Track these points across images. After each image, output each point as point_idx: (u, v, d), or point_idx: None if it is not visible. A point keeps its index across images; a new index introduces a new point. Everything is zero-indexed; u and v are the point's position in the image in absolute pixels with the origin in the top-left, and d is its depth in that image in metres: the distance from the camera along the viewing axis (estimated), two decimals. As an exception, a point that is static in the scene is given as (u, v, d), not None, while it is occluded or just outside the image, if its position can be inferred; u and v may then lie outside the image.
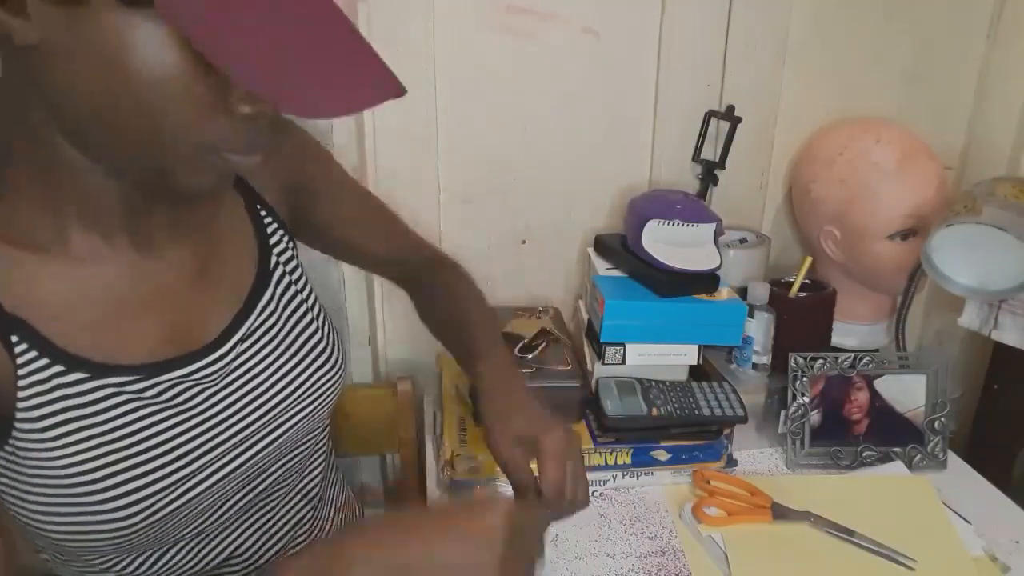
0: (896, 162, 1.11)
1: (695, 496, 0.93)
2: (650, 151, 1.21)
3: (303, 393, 0.71)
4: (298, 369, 0.71)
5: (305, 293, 0.75)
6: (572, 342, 1.09)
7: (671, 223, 1.01)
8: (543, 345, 1.05)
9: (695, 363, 1.02)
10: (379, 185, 1.12)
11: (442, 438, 0.98)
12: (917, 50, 1.24)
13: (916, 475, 0.98)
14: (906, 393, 1.02)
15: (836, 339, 1.20)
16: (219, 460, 0.65)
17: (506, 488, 0.94)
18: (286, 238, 0.74)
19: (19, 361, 0.55)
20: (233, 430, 0.66)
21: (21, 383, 0.55)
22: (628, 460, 0.95)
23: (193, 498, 0.63)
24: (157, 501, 0.60)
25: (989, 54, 1.27)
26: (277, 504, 0.75)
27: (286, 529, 0.77)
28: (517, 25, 1.10)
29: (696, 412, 0.95)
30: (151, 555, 0.66)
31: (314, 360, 0.72)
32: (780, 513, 0.89)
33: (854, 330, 1.23)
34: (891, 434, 1.01)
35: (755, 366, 1.10)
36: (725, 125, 1.18)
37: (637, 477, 0.96)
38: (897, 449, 1.01)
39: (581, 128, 1.18)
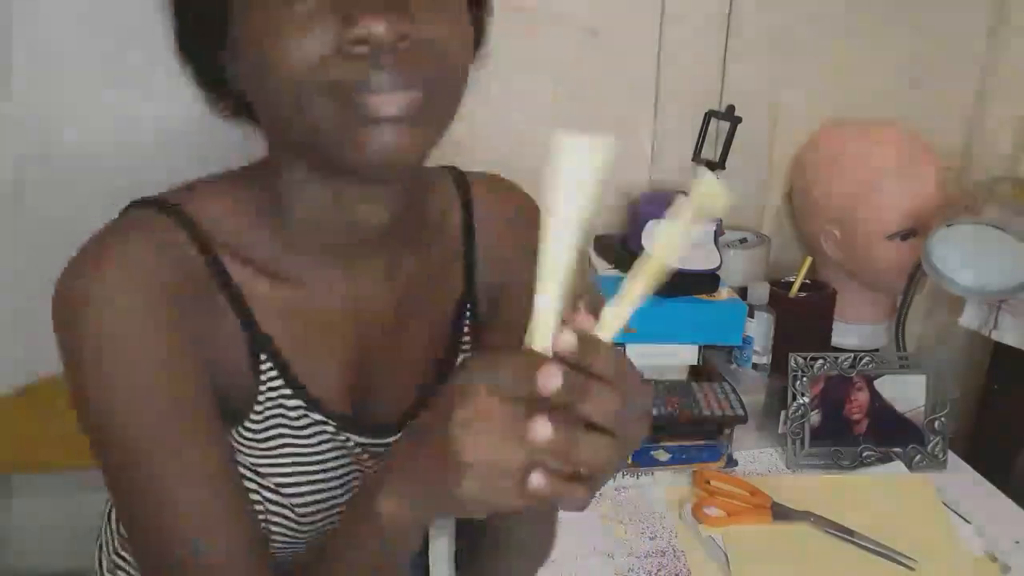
0: (896, 162, 1.11)
1: (695, 496, 0.93)
2: (650, 151, 1.21)
3: None
4: None
5: None
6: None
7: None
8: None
9: (695, 363, 1.02)
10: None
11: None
12: (917, 50, 1.24)
13: (916, 475, 0.98)
14: (906, 393, 1.02)
15: (836, 339, 1.20)
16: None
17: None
18: (469, 347, 0.69)
19: (262, 378, 0.58)
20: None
21: (259, 398, 0.58)
22: (628, 460, 0.95)
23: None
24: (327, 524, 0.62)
25: (989, 54, 1.26)
26: None
27: None
28: (516, 24, 1.10)
29: (696, 412, 0.95)
30: None
31: None
32: (780, 513, 0.89)
33: (854, 330, 1.23)
34: (891, 434, 1.01)
35: (755, 366, 1.10)
36: (725, 125, 1.17)
37: (637, 477, 0.96)
38: (897, 449, 1.00)
39: (581, 127, 1.17)
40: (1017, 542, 0.88)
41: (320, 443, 0.60)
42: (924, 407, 1.01)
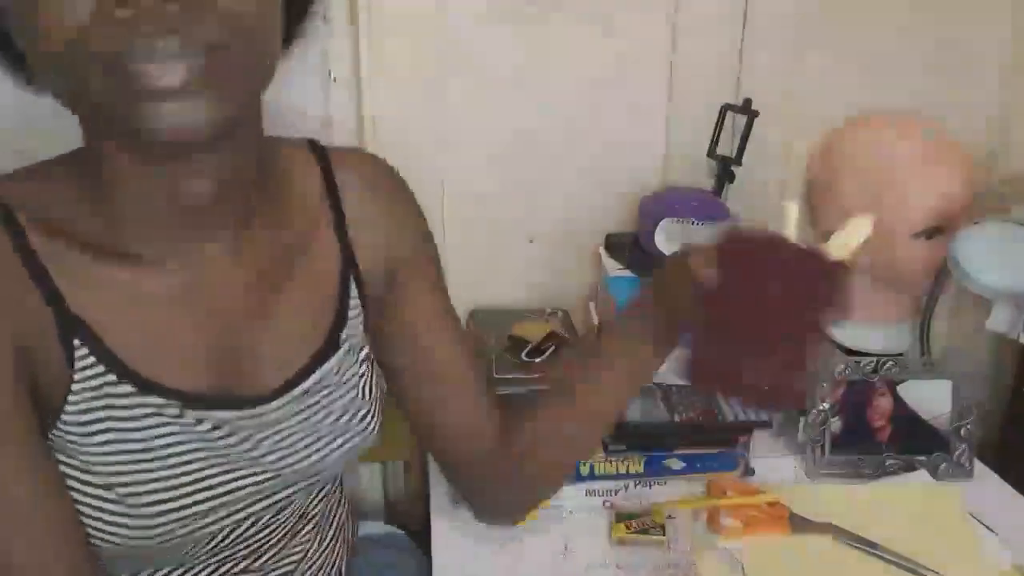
0: (921, 158, 1.07)
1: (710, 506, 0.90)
2: (664, 147, 1.19)
3: (338, 456, 0.69)
4: (340, 439, 0.68)
5: (363, 369, 0.70)
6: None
7: (686, 221, 1.00)
8: (552, 349, 1.03)
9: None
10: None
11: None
12: (941, 40, 1.21)
13: (941, 485, 0.97)
14: (931, 399, 1.00)
15: (858, 342, 1.17)
16: (241, 503, 0.63)
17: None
18: (363, 316, 0.69)
19: (77, 365, 0.55)
20: (261, 478, 0.64)
21: (74, 387, 0.55)
22: (641, 469, 0.94)
23: (209, 526, 0.62)
24: (177, 528, 0.59)
25: (1016, 45, 1.23)
26: (279, 528, 0.72)
27: (283, 545, 0.74)
28: (527, 16, 1.09)
29: (719, 417, 0.94)
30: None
31: (354, 428, 0.70)
32: (799, 524, 0.87)
33: (877, 333, 1.20)
34: (915, 442, 0.99)
35: (772, 370, 1.08)
36: (742, 119, 1.15)
37: (650, 487, 0.94)
38: (922, 457, 0.98)
39: (592, 122, 1.16)
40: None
41: (156, 428, 0.57)
42: (950, 414, 0.99)
